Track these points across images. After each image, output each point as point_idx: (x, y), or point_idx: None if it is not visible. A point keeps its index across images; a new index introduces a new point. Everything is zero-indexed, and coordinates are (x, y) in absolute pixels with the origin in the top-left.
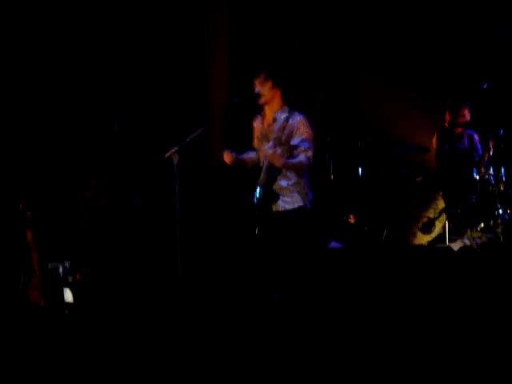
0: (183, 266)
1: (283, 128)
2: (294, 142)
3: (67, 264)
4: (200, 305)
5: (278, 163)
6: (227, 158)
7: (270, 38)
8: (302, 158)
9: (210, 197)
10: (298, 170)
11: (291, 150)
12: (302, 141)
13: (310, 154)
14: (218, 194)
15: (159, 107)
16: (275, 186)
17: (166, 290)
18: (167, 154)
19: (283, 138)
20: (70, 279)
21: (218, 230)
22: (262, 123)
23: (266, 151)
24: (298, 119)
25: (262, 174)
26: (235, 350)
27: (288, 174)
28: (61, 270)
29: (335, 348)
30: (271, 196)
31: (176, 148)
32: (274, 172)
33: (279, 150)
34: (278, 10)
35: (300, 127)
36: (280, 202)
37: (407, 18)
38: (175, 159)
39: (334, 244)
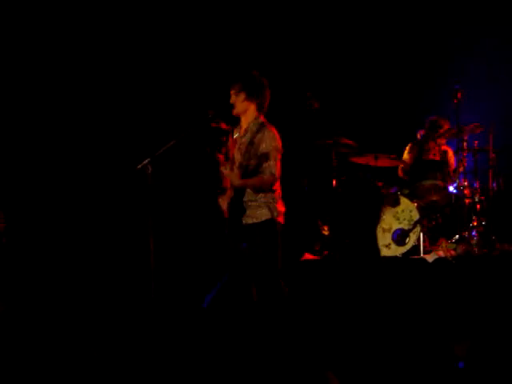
0: (155, 279)
1: (252, 142)
2: (259, 156)
3: None
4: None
5: (236, 182)
6: (223, 203)
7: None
8: (263, 174)
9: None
10: (260, 186)
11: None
12: (266, 155)
13: (273, 170)
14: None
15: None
16: (244, 199)
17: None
18: (140, 165)
19: (252, 151)
20: None
21: (191, 242)
22: (239, 134)
23: (223, 170)
24: (265, 133)
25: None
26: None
27: (255, 193)
28: None
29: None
30: (240, 209)
31: (149, 159)
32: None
33: (236, 170)
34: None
35: (266, 140)
36: (248, 215)
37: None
38: (148, 170)
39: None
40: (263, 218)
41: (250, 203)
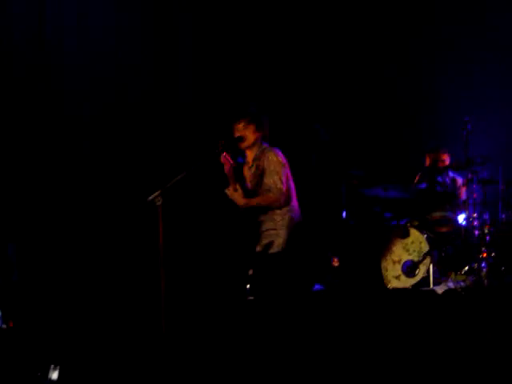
0: (166, 315)
1: (257, 167)
2: (267, 180)
3: None
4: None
5: (240, 202)
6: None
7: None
8: (269, 192)
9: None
10: (269, 204)
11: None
12: (270, 173)
13: (278, 185)
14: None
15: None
16: (262, 228)
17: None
18: (151, 197)
19: (258, 175)
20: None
21: (202, 273)
22: (248, 168)
23: (227, 191)
24: (266, 153)
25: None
26: None
27: (273, 216)
28: None
29: None
30: (255, 237)
31: (160, 191)
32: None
33: (239, 190)
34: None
35: (267, 159)
36: (263, 244)
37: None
38: (158, 202)
39: (317, 287)
40: (275, 250)
41: (268, 232)
